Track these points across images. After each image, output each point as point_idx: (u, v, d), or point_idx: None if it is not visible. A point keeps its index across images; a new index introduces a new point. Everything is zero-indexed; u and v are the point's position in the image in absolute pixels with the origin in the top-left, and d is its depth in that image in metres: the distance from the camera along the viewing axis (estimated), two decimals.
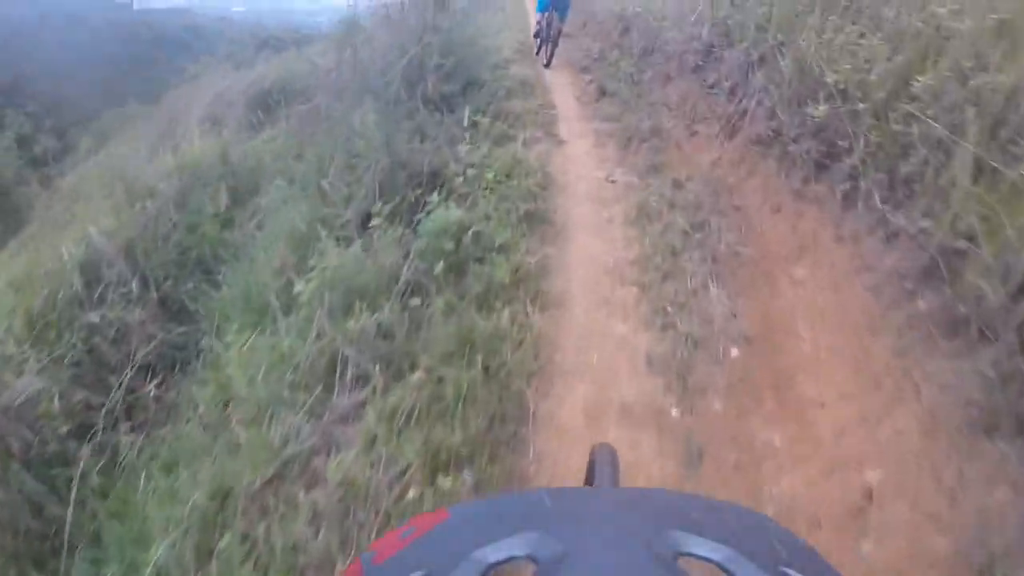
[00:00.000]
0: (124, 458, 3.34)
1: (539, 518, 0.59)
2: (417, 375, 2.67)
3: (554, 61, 7.72)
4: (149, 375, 4.11)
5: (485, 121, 5.21)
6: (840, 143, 3.14)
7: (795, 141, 3.41)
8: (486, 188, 4.12)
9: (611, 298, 3.28)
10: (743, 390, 2.66)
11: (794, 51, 3.68)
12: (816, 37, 3.56)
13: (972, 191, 2.33)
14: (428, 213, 3.65)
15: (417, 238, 3.54)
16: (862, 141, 2.95)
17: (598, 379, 2.79)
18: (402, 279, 3.23)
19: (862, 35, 3.38)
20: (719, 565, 0.51)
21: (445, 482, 2.22)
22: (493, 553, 0.52)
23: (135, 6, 74.41)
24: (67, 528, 3.00)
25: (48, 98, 42.45)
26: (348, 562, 1.49)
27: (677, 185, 4.17)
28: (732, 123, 4.18)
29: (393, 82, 5.18)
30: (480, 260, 3.46)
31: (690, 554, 0.53)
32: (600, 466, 1.21)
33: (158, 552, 2.37)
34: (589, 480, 1.24)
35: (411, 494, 2.22)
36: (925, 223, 2.49)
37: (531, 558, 0.51)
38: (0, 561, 3.02)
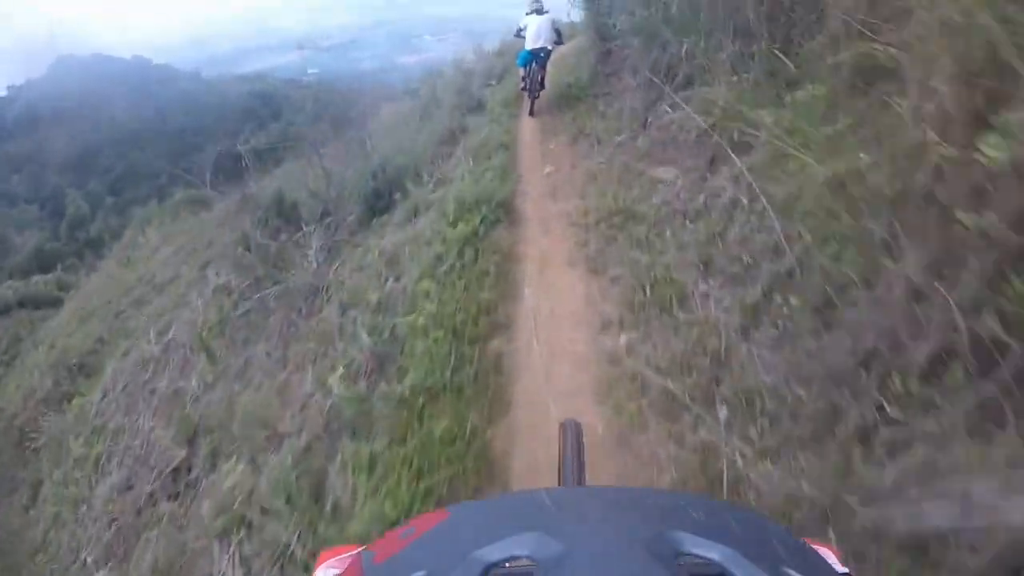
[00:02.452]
0: None
1: (539, 518, 0.59)
2: None
3: None
4: None
5: None
6: None
7: None
8: None
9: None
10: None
11: None
12: None
13: None
14: None
15: None
16: None
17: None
18: None
19: None
20: (719, 565, 0.50)
21: None
22: (493, 553, 0.51)
23: (204, 74, 76.43)
24: None
25: (113, 174, 41.16)
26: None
27: None
28: None
29: None
30: None
31: (690, 554, 0.51)
32: (567, 439, 1.33)
33: None
34: (561, 451, 1.33)
35: None
36: None
37: (531, 558, 0.51)
38: None
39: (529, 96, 7.93)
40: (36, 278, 21.92)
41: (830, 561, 0.67)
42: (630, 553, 0.50)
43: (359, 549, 0.71)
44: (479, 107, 8.86)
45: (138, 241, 15.97)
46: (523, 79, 7.99)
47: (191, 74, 69.95)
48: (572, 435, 1.34)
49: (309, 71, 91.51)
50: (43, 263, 23.84)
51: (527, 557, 0.51)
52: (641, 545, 0.50)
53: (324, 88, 69.87)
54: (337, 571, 0.69)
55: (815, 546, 0.68)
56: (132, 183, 34.23)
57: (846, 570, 0.65)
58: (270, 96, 62.10)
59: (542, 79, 7.90)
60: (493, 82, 10.17)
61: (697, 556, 0.52)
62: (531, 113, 7.91)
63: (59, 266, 21.44)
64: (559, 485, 1.25)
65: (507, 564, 0.52)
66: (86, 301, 12.97)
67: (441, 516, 0.63)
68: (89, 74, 60.37)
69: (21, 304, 19.21)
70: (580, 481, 1.25)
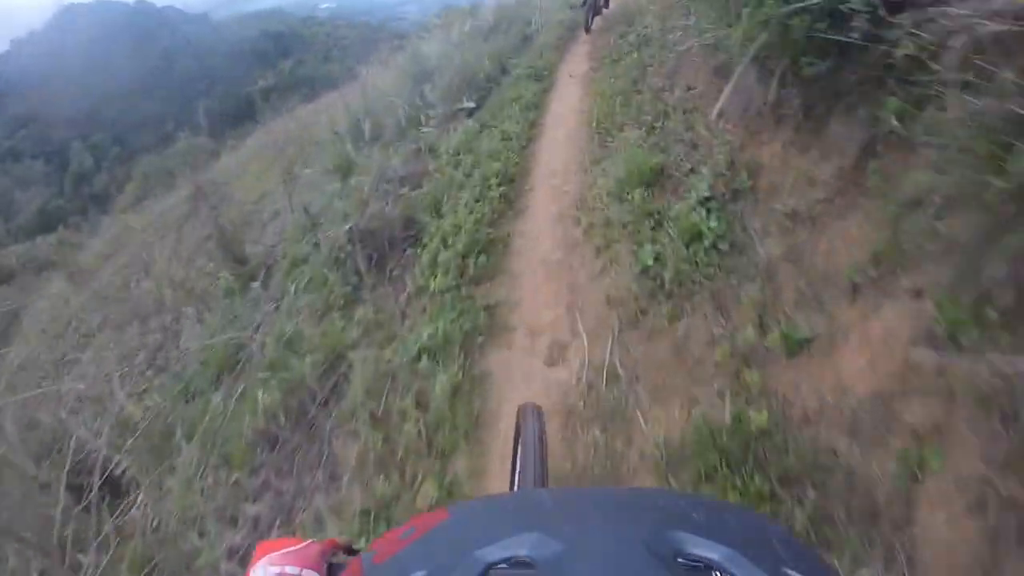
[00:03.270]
0: None
1: (539, 518, 0.59)
2: None
3: None
4: None
5: None
6: None
7: None
8: None
9: None
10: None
11: None
12: None
13: None
14: None
15: None
16: None
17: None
18: None
19: None
20: (719, 565, 0.50)
21: None
22: (493, 553, 0.51)
23: (213, 16, 72.61)
24: None
25: (119, 124, 39.09)
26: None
27: None
28: None
29: None
30: None
31: (690, 554, 0.51)
32: (526, 421, 1.41)
33: None
34: (517, 435, 1.42)
35: None
36: None
37: (531, 558, 0.50)
38: None
39: (589, 12, 7.92)
40: (40, 239, 20.53)
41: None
42: (630, 553, 0.49)
43: (302, 543, 0.72)
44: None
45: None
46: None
47: (198, 16, 66.70)
48: (533, 418, 1.42)
49: (323, 6, 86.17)
50: (47, 222, 22.27)
51: (527, 557, 0.50)
52: (641, 545, 0.50)
53: (340, 23, 66.05)
54: (278, 568, 0.69)
55: None
56: (138, 133, 32.21)
57: None
58: (281, 36, 58.60)
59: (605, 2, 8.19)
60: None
61: (697, 556, 0.51)
62: (587, 30, 8.01)
63: (60, 226, 19.76)
64: (515, 472, 1.38)
65: (507, 564, 0.51)
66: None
67: (441, 516, 0.62)
68: (93, 22, 57.69)
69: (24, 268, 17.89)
70: (543, 464, 1.31)
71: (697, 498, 0.75)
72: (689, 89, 4.23)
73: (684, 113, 4.00)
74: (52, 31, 58.34)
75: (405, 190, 4.67)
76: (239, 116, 29.39)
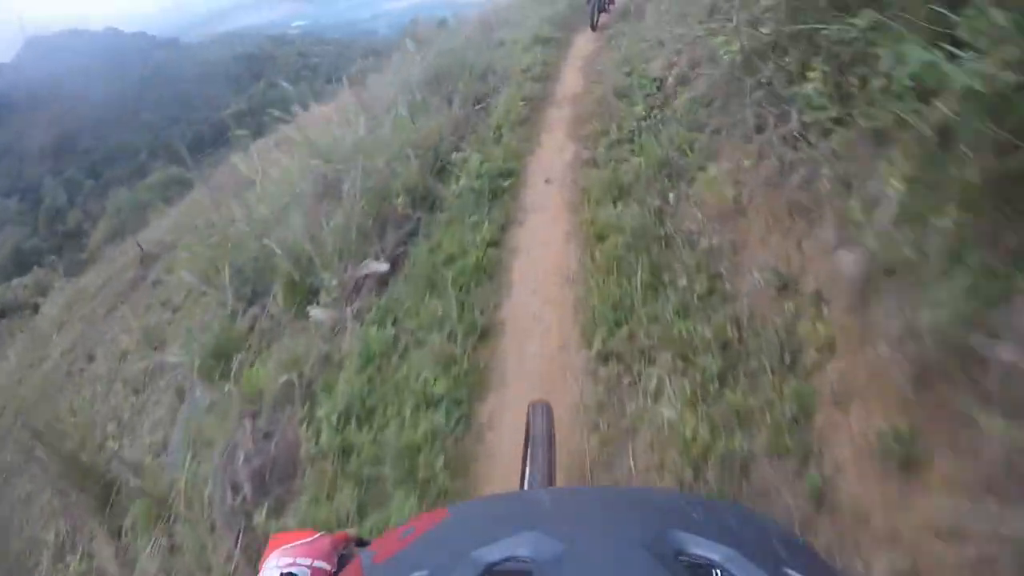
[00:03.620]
0: None
1: (539, 518, 0.59)
2: None
3: None
4: None
5: None
6: None
7: None
8: None
9: None
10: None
11: None
12: None
13: None
14: None
15: None
16: None
17: None
18: None
19: None
20: (719, 565, 0.50)
21: None
22: (493, 553, 0.50)
23: (184, 39, 71.99)
24: None
25: (93, 156, 38.71)
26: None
27: None
28: None
29: None
30: None
31: (690, 554, 0.51)
32: (535, 419, 1.42)
33: None
34: (527, 432, 1.44)
35: None
36: None
37: (531, 558, 0.50)
38: None
39: (594, 11, 7.76)
40: (15, 281, 20.24)
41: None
42: (630, 553, 0.49)
43: (313, 536, 0.74)
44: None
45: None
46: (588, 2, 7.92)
47: (168, 41, 66.25)
48: (542, 417, 1.43)
49: (294, 24, 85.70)
50: (23, 261, 21.99)
51: (527, 557, 0.50)
52: (641, 545, 0.50)
53: (311, 41, 65.67)
54: (290, 559, 0.69)
55: None
56: (112, 164, 31.90)
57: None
58: (254, 57, 58.25)
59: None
60: None
61: (697, 556, 0.51)
62: (593, 27, 7.79)
63: (35, 266, 19.52)
64: (526, 467, 1.41)
65: (507, 564, 0.50)
66: None
67: (441, 516, 0.62)
68: (61, 53, 57.15)
69: (2, 314, 17.62)
70: (550, 462, 1.31)
71: (697, 498, 0.74)
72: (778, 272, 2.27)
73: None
74: (20, 64, 57.69)
75: (259, 518, 2.47)
76: (214, 142, 29.28)
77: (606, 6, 8.05)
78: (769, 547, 0.55)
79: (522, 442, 1.56)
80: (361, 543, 0.81)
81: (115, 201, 21.73)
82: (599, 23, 7.80)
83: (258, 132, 21.83)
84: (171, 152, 32.29)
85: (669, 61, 4.51)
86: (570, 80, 6.02)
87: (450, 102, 5.54)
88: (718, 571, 0.50)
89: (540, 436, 1.37)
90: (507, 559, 0.50)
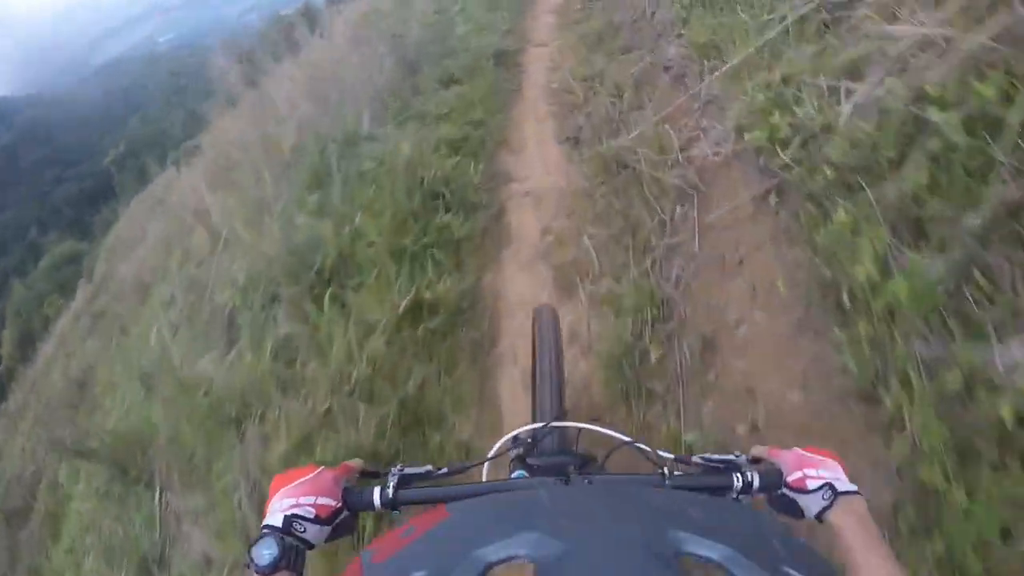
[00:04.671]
0: None
1: (539, 517, 0.57)
2: None
3: None
4: None
5: None
6: None
7: None
8: None
9: None
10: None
11: None
12: None
13: None
14: None
15: None
16: None
17: None
18: None
19: None
20: (719, 565, 0.50)
21: None
22: (493, 553, 0.50)
23: (52, 91, 65.99)
24: None
25: None
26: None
27: None
28: None
29: None
30: None
31: (690, 554, 0.51)
32: (542, 325, 1.45)
33: None
34: (534, 339, 1.45)
35: None
36: None
37: (531, 558, 0.50)
38: None
39: None
40: None
41: (837, 472, 0.75)
42: (630, 553, 0.49)
43: (314, 472, 0.76)
44: None
45: None
46: None
47: (31, 99, 60.75)
48: (547, 321, 1.47)
49: (162, 39, 78.59)
50: None
51: (527, 557, 0.50)
52: (641, 545, 0.50)
53: (186, 53, 60.17)
54: (293, 500, 0.71)
55: (822, 455, 0.78)
56: (2, 249, 29.14)
57: (854, 487, 0.73)
58: (126, 90, 53.71)
59: None
60: None
61: (697, 556, 0.51)
62: None
63: None
64: (535, 374, 1.40)
65: (507, 564, 0.51)
66: None
67: (441, 515, 0.62)
68: None
69: None
70: (558, 365, 1.37)
71: (697, 497, 0.68)
72: None
73: None
74: None
75: None
76: (105, 193, 26.99)
77: None
78: (769, 546, 0.55)
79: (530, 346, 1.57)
80: (366, 473, 0.83)
81: (13, 303, 19.60)
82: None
83: (140, 177, 19.59)
84: (62, 218, 29.73)
85: None
86: None
87: None
88: (718, 571, 0.50)
89: (547, 342, 1.42)
90: (507, 559, 0.50)
